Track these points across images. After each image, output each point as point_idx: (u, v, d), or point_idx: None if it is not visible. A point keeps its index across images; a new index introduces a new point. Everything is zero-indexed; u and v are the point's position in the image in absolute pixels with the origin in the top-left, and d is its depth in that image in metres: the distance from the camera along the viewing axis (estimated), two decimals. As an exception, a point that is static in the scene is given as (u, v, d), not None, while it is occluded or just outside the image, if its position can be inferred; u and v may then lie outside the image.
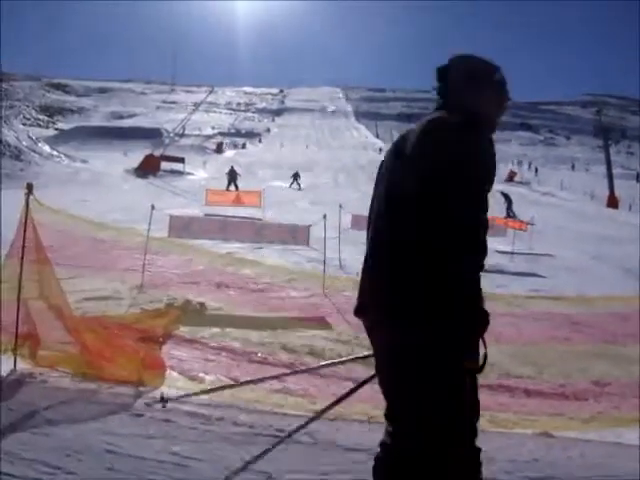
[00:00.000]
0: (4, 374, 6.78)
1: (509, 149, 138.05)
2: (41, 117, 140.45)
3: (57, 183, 37.29)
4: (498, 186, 56.60)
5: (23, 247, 6.97)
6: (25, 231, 7.01)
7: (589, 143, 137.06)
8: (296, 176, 53.42)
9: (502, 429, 6.29)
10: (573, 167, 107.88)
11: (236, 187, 39.26)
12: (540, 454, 5.68)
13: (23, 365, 7.05)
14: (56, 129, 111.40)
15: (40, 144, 51.82)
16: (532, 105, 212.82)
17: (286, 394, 6.90)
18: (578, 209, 46.49)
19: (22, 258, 6.97)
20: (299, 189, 50.32)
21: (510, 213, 38.45)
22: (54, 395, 6.34)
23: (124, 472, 4.85)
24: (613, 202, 56.24)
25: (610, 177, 62.04)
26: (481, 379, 7.75)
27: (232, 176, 42.07)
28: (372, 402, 6.76)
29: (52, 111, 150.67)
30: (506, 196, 41.06)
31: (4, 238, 7.62)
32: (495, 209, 33.47)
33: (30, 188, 7.11)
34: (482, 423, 6.30)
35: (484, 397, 7.20)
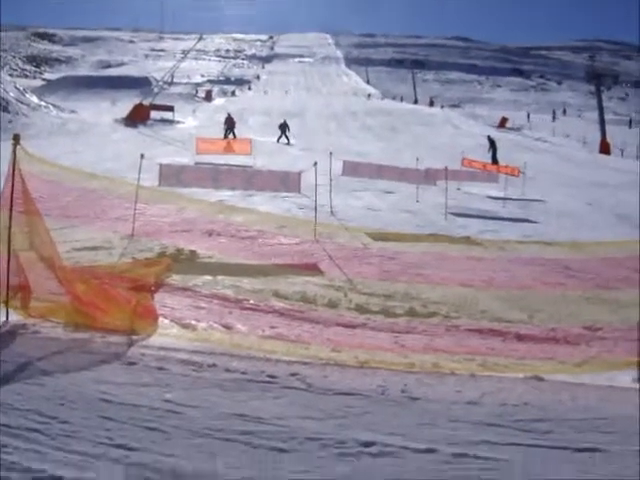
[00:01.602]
0: (-4, 326, 6.78)
1: (500, 95, 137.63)
2: (28, 67, 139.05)
3: (46, 134, 37.03)
4: (489, 132, 56.59)
5: (12, 198, 6.91)
6: (13, 182, 6.95)
7: (581, 89, 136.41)
8: (284, 128, 45.21)
9: (493, 373, 6.33)
10: (565, 112, 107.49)
11: (234, 136, 38.84)
12: (531, 398, 5.72)
13: (15, 316, 7.06)
14: (43, 79, 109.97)
15: (27, 95, 51.16)
16: (523, 50, 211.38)
17: (279, 340, 6.91)
18: (570, 155, 46.38)
19: (11, 209, 6.92)
20: (288, 143, 42.83)
21: (495, 160, 36.47)
22: (47, 345, 6.36)
23: (118, 420, 4.87)
24: (605, 148, 56.11)
25: (602, 123, 61.73)
26: (473, 323, 7.84)
27: (229, 125, 41.00)
28: (363, 348, 6.82)
29: (39, 61, 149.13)
30: (492, 142, 39.11)
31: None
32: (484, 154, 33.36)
33: (17, 139, 7.05)
34: (473, 367, 6.40)
35: (475, 341, 7.29)
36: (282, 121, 46.12)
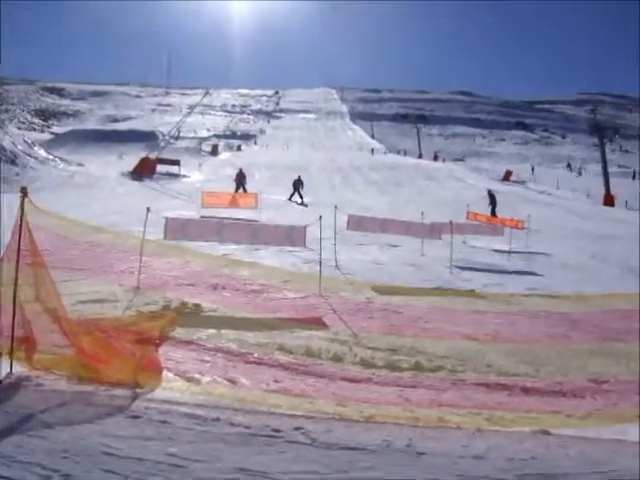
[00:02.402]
0: (1, 377, 6.76)
1: (504, 149, 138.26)
2: (36, 121, 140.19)
3: (53, 187, 37.25)
4: (493, 185, 56.79)
5: (18, 250, 6.95)
6: (20, 234, 6.99)
7: (584, 142, 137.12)
8: (298, 185, 40.97)
9: (499, 427, 6.29)
10: (569, 166, 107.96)
11: (244, 190, 38.69)
12: (538, 452, 5.68)
13: (19, 368, 7.04)
14: (51, 133, 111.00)
15: (36, 148, 51.68)
16: (527, 104, 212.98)
17: (283, 394, 6.88)
18: (574, 207, 46.49)
19: (18, 261, 6.95)
20: (301, 203, 38.35)
21: (494, 214, 36.24)
22: (50, 398, 6.34)
23: (121, 474, 4.84)
24: (609, 200, 56.27)
25: (606, 175, 61.97)
26: (479, 377, 7.79)
27: (240, 179, 40.84)
28: (368, 402, 6.79)
29: (47, 115, 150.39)
30: (492, 196, 38.88)
31: (1, 243, 7.60)
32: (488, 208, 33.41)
33: (25, 191, 7.11)
34: (479, 421, 6.36)
35: (481, 395, 7.24)
36: (296, 177, 42.12)
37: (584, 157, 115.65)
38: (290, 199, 39.71)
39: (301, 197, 40.11)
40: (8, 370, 6.94)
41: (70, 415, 5.93)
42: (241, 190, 39.05)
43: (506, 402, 7.05)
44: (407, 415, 6.46)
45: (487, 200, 37.56)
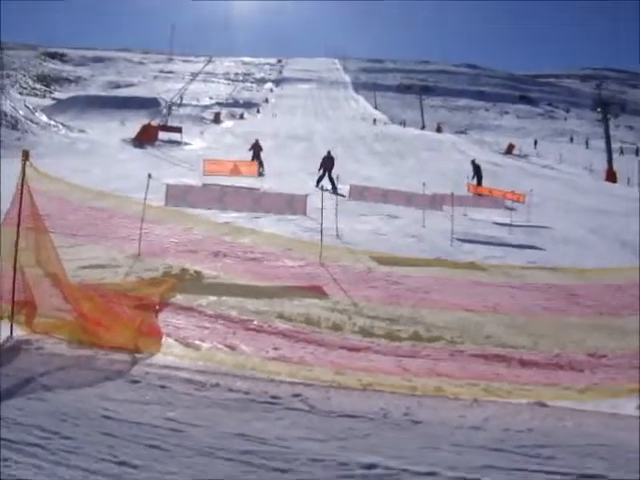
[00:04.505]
0: (1, 341, 6.80)
1: (507, 122, 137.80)
2: (38, 86, 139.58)
3: (54, 153, 37.13)
4: (495, 158, 56.64)
5: (19, 215, 6.95)
6: (21, 199, 6.99)
7: (588, 117, 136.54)
8: (327, 166, 31.19)
9: (496, 398, 6.31)
10: (572, 140, 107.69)
11: (260, 162, 38.08)
12: (535, 423, 5.70)
13: (20, 332, 7.09)
14: (53, 98, 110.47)
15: (37, 113, 51.46)
16: (531, 78, 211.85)
17: (282, 361, 6.91)
18: (576, 182, 46.40)
19: (18, 226, 6.96)
20: (334, 191, 24.89)
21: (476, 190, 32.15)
22: (50, 361, 6.38)
23: (120, 437, 4.88)
24: (611, 176, 56.16)
25: (609, 151, 61.82)
26: (476, 349, 7.82)
27: (256, 151, 38.82)
28: (366, 371, 6.81)
29: (49, 80, 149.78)
30: (476, 167, 36.12)
31: (2, 208, 7.59)
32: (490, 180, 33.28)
33: (26, 155, 7.10)
34: (477, 392, 6.39)
35: (479, 366, 7.27)
36: (326, 154, 32.53)
37: (588, 132, 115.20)
38: (318, 185, 27.97)
39: (334, 184, 28.04)
40: (8, 334, 6.99)
41: (70, 379, 5.97)
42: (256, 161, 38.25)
43: (504, 374, 7.07)
44: (405, 384, 6.47)
45: (471, 172, 36.18)
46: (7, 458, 4.43)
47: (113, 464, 4.49)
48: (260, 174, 34.41)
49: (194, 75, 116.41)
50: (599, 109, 76.15)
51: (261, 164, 37.08)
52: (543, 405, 6.16)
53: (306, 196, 14.46)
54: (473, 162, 37.36)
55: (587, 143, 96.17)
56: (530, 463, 4.92)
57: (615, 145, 71.76)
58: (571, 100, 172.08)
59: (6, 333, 6.97)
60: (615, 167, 58.37)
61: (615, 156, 62.69)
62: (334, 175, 28.44)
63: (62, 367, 6.25)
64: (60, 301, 7.32)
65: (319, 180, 30.37)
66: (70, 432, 4.90)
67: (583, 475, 4.75)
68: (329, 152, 32.95)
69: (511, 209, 24.21)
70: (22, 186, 7.01)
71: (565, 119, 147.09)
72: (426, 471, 4.66)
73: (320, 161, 32.21)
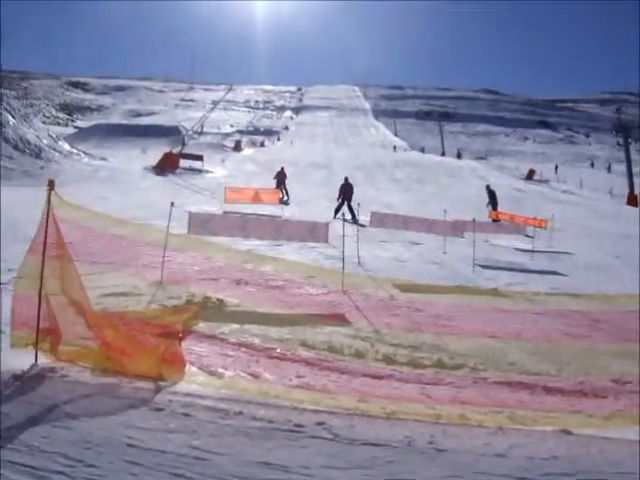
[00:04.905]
0: (25, 368, 6.83)
1: (527, 147, 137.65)
2: (60, 115, 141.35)
3: (77, 181, 37.37)
4: (516, 183, 56.52)
5: (45, 243, 7.02)
6: (47, 227, 7.05)
7: (608, 141, 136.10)
8: (346, 194, 29.39)
9: (521, 426, 6.28)
10: (592, 165, 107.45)
11: (285, 190, 37.42)
12: (560, 451, 5.67)
13: (44, 360, 7.11)
14: (75, 127, 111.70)
15: (60, 142, 51.90)
16: (550, 103, 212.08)
17: (306, 389, 6.90)
18: (598, 207, 46.23)
19: (44, 254, 7.02)
20: (354, 221, 24.59)
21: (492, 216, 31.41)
22: (75, 389, 6.40)
23: (144, 465, 4.89)
24: (633, 200, 55.92)
25: (630, 175, 61.62)
26: (500, 376, 7.78)
27: (280, 178, 38.38)
28: (389, 398, 6.79)
29: (71, 109, 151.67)
30: (491, 193, 34.56)
31: (26, 235, 7.66)
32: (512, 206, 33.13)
33: (52, 184, 7.16)
34: (501, 420, 6.36)
35: (503, 394, 7.23)
36: (343, 181, 30.66)
37: (608, 157, 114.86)
38: (336, 215, 27.35)
39: (353, 214, 26.92)
40: (33, 361, 7.01)
41: (94, 406, 5.98)
42: (284, 191, 37.81)
43: (528, 401, 7.03)
44: (429, 412, 6.45)
45: (486, 198, 34.69)
46: (32, 486, 4.46)
47: (138, 492, 4.51)
48: (285, 203, 34.30)
49: (215, 103, 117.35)
50: (619, 133, 75.93)
51: (286, 192, 37.03)
52: (568, 433, 6.12)
53: (328, 224, 14.49)
54: (488, 187, 36.21)
55: (609, 168, 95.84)
56: (556, 492, 4.90)
57: (637, 169, 71.40)
58: (591, 125, 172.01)
59: (31, 361, 6.99)
60: (637, 191, 58.09)
61: (637, 180, 62.36)
62: (354, 203, 25.52)
63: (86, 395, 6.26)
64: (84, 329, 7.35)
65: (337, 209, 28.46)
66: (94, 460, 4.91)
67: (609, 504, 4.73)
68: (346, 179, 30.97)
69: (531, 237, 24.13)
70: (48, 215, 7.07)
71: (589, 144, 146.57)
72: (451, 500, 4.65)
73: (339, 189, 30.30)
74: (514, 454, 5.56)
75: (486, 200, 34.05)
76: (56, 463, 4.83)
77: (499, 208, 32.59)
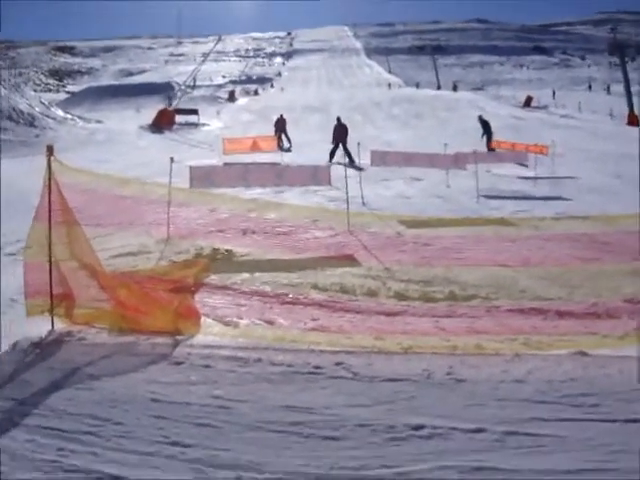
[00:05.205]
0: (43, 335, 6.89)
1: (523, 74, 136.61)
2: (51, 81, 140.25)
3: (74, 146, 37.11)
4: (514, 111, 56.17)
5: (49, 209, 7.02)
6: (50, 193, 7.05)
7: (605, 62, 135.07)
8: (340, 136, 27.37)
9: (537, 351, 6.34)
10: (590, 87, 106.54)
11: (287, 137, 36.40)
12: (577, 373, 5.74)
13: (60, 325, 7.17)
14: (67, 92, 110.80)
15: (53, 108, 51.43)
16: (544, 28, 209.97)
17: (321, 332, 6.96)
18: (598, 129, 45.91)
19: (50, 220, 7.03)
20: (351, 163, 23.10)
21: (489, 146, 31.16)
22: (94, 351, 6.46)
23: (171, 419, 4.96)
24: (634, 120, 55.43)
25: (629, 95, 60.94)
26: (513, 303, 7.82)
27: (280, 126, 36.68)
28: (405, 334, 6.85)
29: (61, 74, 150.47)
30: (485, 123, 33.69)
31: (30, 205, 7.65)
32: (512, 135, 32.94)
33: (51, 150, 7.14)
34: (516, 346, 6.41)
35: (517, 321, 7.28)
36: (336, 122, 28.83)
37: (605, 78, 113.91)
38: (331, 159, 25.79)
39: (350, 156, 25.65)
40: (50, 327, 7.07)
41: (115, 366, 6.05)
42: (285, 140, 37.11)
43: (541, 326, 7.09)
44: (445, 344, 6.51)
45: (480, 129, 33.71)
46: (63, 448, 4.53)
47: (167, 445, 4.58)
48: (287, 150, 33.88)
49: (205, 55, 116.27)
50: (615, 53, 75.19)
51: (288, 139, 36.59)
52: (584, 354, 6.18)
53: (329, 166, 14.45)
54: (480, 118, 35.00)
55: (608, 89, 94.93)
56: (576, 412, 4.97)
57: (635, 88, 70.77)
58: (586, 47, 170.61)
59: (47, 327, 7.05)
60: (637, 110, 57.61)
61: (637, 100, 61.85)
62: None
63: (106, 355, 6.32)
64: (97, 291, 7.40)
65: (332, 153, 26.84)
66: (121, 418, 4.99)
67: (629, 420, 4.81)
68: (339, 119, 29.09)
69: (525, 165, 24.05)
70: (50, 181, 7.06)
71: (588, 66, 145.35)
72: (474, 428, 4.72)
73: (333, 131, 28.24)
74: (532, 379, 5.63)
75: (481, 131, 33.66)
76: (84, 424, 4.90)
77: (496, 137, 32.33)
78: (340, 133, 27.76)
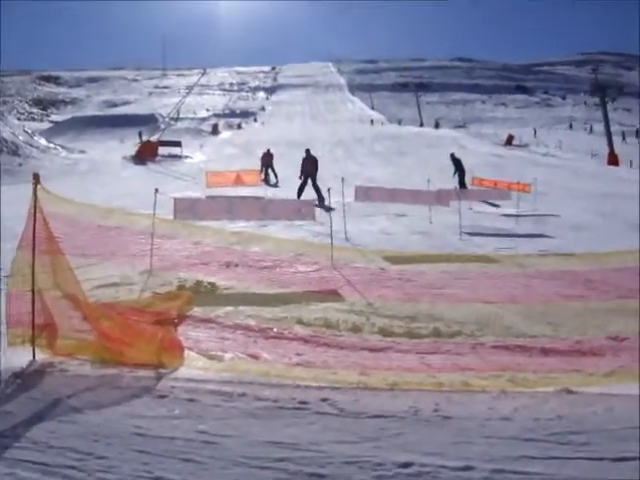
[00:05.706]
0: (24, 365, 6.80)
1: (505, 113, 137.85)
2: (35, 111, 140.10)
3: (57, 175, 37.07)
4: (496, 150, 56.63)
5: (34, 238, 6.96)
6: (35, 222, 7.00)
7: (586, 102, 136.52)
8: (309, 171, 25.97)
9: (523, 388, 6.31)
10: (571, 127, 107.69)
11: (274, 172, 36.93)
12: (564, 411, 5.70)
13: (42, 355, 7.07)
14: (51, 121, 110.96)
15: (36, 137, 51.57)
16: (526, 67, 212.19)
17: (306, 367, 6.91)
18: (579, 168, 46.35)
19: (34, 249, 6.97)
20: (320, 202, 21.90)
21: (463, 184, 31.03)
22: (76, 383, 6.37)
23: (154, 453, 4.88)
24: (613, 159, 56.11)
25: (609, 135, 61.73)
26: (497, 340, 7.82)
27: (266, 160, 37.37)
28: (390, 370, 6.81)
29: (45, 104, 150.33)
30: (456, 161, 33.20)
31: (14, 233, 7.60)
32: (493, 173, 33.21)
33: (37, 178, 7.10)
34: (502, 383, 6.39)
35: (502, 358, 7.27)
36: (305, 153, 27.08)
37: (586, 118, 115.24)
38: (299, 196, 24.22)
39: (319, 193, 24.36)
40: (31, 358, 6.98)
41: (98, 398, 5.96)
42: (272, 175, 37.41)
43: (527, 363, 7.07)
44: (431, 381, 6.47)
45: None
46: (44, 482, 4.46)
47: (150, 480, 4.52)
48: (274, 185, 33.94)
49: (189, 88, 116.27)
50: (596, 93, 76.19)
51: (275, 174, 36.61)
52: (570, 392, 6.16)
53: (314, 200, 14.47)
54: (452, 156, 34.38)
55: (591, 129, 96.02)
56: (565, 450, 4.93)
57: (615, 128, 71.60)
58: (567, 87, 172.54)
59: (28, 357, 6.96)
60: (617, 150, 58.28)
61: (617, 140, 62.58)
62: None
63: (88, 388, 6.24)
64: (80, 322, 7.32)
65: (300, 190, 25.28)
66: (104, 452, 4.90)
67: (619, 458, 4.76)
68: (308, 151, 27.09)
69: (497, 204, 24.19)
70: (35, 209, 7.01)
71: (571, 106, 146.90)
72: (462, 465, 4.67)
73: (301, 165, 26.63)
74: (519, 416, 5.60)
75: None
76: (66, 457, 4.82)
77: (478, 174, 32.53)
78: (309, 166, 26.17)
